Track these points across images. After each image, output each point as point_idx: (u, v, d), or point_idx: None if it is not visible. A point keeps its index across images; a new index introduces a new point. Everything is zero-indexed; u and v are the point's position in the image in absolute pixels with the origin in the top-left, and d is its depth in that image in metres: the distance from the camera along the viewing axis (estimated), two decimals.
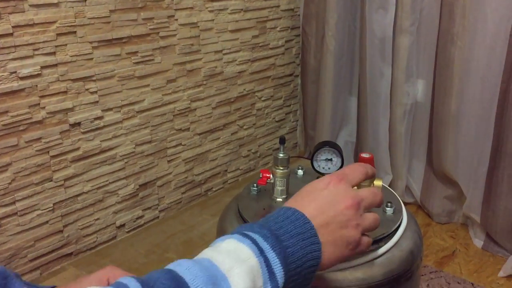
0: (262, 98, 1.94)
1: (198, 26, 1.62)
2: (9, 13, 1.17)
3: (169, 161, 1.66)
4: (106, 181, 1.48)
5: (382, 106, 1.73)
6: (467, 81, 1.50)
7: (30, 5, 1.20)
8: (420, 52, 1.63)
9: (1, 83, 1.19)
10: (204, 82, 1.70)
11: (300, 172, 0.91)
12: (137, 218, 1.60)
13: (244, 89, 1.85)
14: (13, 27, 1.18)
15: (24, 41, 1.21)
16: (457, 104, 1.53)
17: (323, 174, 0.85)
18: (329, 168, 0.84)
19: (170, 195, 1.69)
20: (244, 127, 1.90)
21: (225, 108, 1.80)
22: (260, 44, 1.85)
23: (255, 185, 0.83)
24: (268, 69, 1.92)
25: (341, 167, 0.84)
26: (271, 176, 0.80)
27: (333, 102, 1.85)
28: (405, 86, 1.66)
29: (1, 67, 1.18)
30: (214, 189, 1.85)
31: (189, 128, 1.69)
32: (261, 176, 0.80)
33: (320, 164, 0.84)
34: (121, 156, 1.50)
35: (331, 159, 0.83)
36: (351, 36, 1.81)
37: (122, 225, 1.56)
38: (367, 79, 1.73)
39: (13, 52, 1.20)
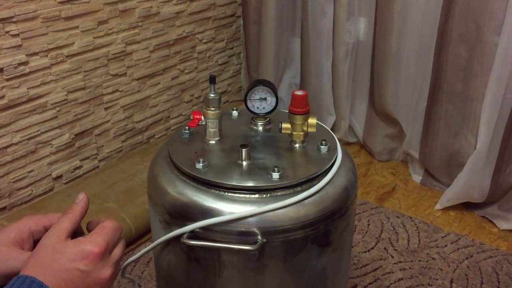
0: (203, 41, 1.87)
1: None
2: None
3: (106, 109, 1.58)
4: (38, 131, 1.40)
5: (324, 46, 1.70)
6: (407, 18, 1.49)
7: None
8: None
9: None
10: (140, 24, 1.60)
11: (234, 113, 0.87)
12: (75, 169, 1.53)
13: (184, 31, 1.77)
14: None
15: None
16: (397, 42, 1.52)
17: (257, 115, 0.82)
18: (263, 108, 0.81)
19: (109, 144, 1.63)
20: (185, 71, 1.83)
21: (164, 51, 1.72)
22: None
23: (186, 128, 0.80)
24: (208, 10, 1.84)
25: (275, 106, 0.81)
26: (203, 118, 0.76)
27: (275, 43, 1.80)
28: (347, 25, 1.63)
29: None
30: (156, 136, 1.80)
31: (126, 73, 1.61)
32: (191, 118, 0.77)
33: (254, 104, 0.81)
34: (52, 104, 1.41)
35: (265, 98, 0.80)
36: None
37: (59, 177, 1.49)
38: (309, 18, 1.68)
39: None
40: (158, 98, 1.76)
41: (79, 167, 1.55)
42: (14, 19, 1.27)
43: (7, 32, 1.26)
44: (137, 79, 1.66)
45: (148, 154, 1.60)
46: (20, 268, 0.50)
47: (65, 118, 1.46)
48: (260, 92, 0.80)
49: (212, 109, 0.75)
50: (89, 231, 0.57)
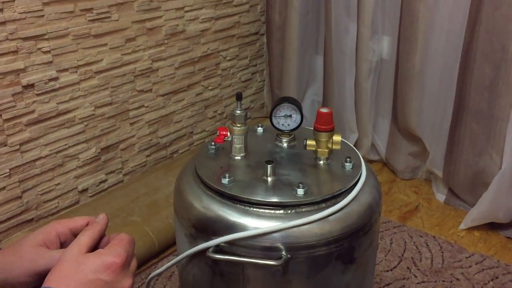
0: (227, 58, 1.89)
1: None
2: None
3: (131, 124, 1.62)
4: (65, 145, 1.44)
5: (347, 64, 1.71)
6: (431, 36, 1.49)
7: None
8: (386, 8, 1.61)
9: None
10: (166, 41, 1.64)
11: (260, 129, 0.89)
12: (100, 182, 1.56)
13: (208, 48, 1.80)
14: None
15: None
16: (421, 60, 1.52)
17: (282, 131, 0.83)
18: (288, 125, 0.82)
19: (134, 158, 1.65)
20: (209, 87, 1.86)
21: (188, 68, 1.75)
22: (224, 1, 1.79)
23: (212, 143, 0.81)
24: (233, 28, 1.87)
25: (300, 123, 0.82)
26: (229, 134, 0.78)
27: (298, 61, 1.82)
28: (371, 43, 1.64)
29: None
30: (180, 152, 1.82)
31: (151, 89, 1.64)
32: (218, 134, 0.78)
33: (279, 120, 0.82)
34: (80, 119, 1.45)
35: (290, 115, 0.81)
36: None
37: (85, 190, 1.52)
38: (332, 36, 1.70)
39: None
40: (182, 114, 1.79)
41: (104, 181, 1.58)
42: (46, 37, 1.31)
43: (39, 49, 1.30)
44: (162, 95, 1.69)
45: (171, 169, 1.62)
46: (49, 266, 0.52)
47: (92, 132, 1.50)
48: (285, 109, 0.81)
49: (238, 125, 0.76)
50: (101, 247, 0.59)
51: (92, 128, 1.50)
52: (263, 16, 1.97)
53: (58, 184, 1.44)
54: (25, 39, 1.27)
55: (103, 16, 1.43)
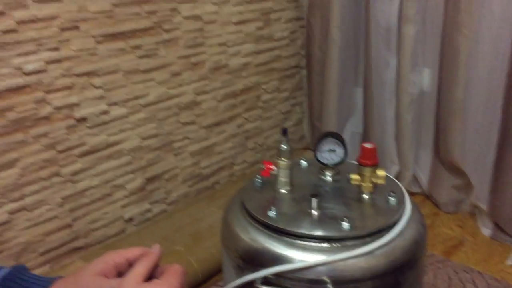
0: (268, 90, 1.94)
1: (202, 19, 1.61)
2: (12, 9, 1.18)
3: (175, 155, 1.67)
4: (113, 175, 1.49)
5: (388, 96, 1.72)
6: (473, 69, 1.49)
7: (33, 1, 1.21)
8: (426, 41, 1.62)
9: (6, 79, 1.20)
10: (209, 75, 1.70)
11: (304, 163, 0.91)
12: (145, 212, 1.61)
13: (250, 82, 1.85)
14: (16, 22, 1.19)
15: (28, 37, 1.22)
16: (464, 93, 1.52)
17: (326, 165, 0.85)
18: (332, 159, 0.84)
19: (177, 188, 1.70)
20: (250, 119, 1.90)
21: (230, 101, 1.80)
22: (265, 36, 1.85)
23: (258, 176, 0.84)
24: (273, 61, 1.92)
25: (344, 158, 0.84)
26: (275, 167, 0.80)
27: (338, 93, 1.84)
28: (411, 76, 1.65)
29: (6, 63, 1.19)
30: (221, 182, 1.86)
31: (194, 121, 1.70)
32: (264, 167, 0.81)
33: (324, 155, 0.84)
34: (127, 150, 1.51)
35: (334, 150, 0.83)
36: (356, 26, 1.79)
37: (131, 219, 1.57)
38: (372, 69, 1.72)
39: (18, 48, 1.21)
40: (224, 145, 1.83)
41: (149, 210, 1.62)
42: (99, 73, 1.39)
43: (92, 84, 1.38)
44: (205, 127, 1.74)
45: (214, 199, 1.65)
46: None
47: (138, 163, 1.55)
48: (329, 144, 0.83)
49: (284, 160, 0.79)
50: (155, 276, 0.61)
51: (139, 159, 1.55)
52: (303, 49, 2.01)
53: (106, 213, 1.49)
54: (79, 75, 1.34)
55: (151, 52, 1.50)
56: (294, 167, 0.82)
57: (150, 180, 1.60)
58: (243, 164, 1.93)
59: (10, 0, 1.16)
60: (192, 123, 1.69)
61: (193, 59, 1.63)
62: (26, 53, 1.22)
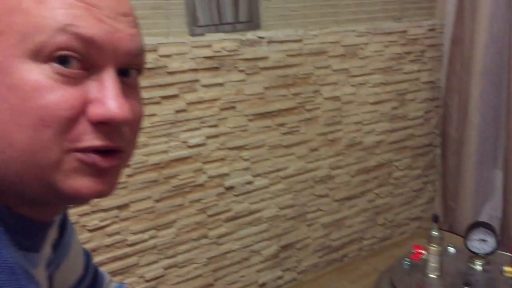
0: (400, 167, 1.96)
1: (341, 99, 1.73)
2: (185, 92, 1.39)
3: (308, 225, 1.74)
4: (252, 241, 1.61)
5: None
6: None
7: (201, 85, 1.41)
8: None
9: (175, 151, 1.39)
10: (344, 151, 1.78)
11: (452, 250, 0.93)
12: (277, 278, 1.69)
13: (382, 158, 1.89)
14: (187, 103, 1.40)
15: (194, 116, 1.42)
16: None
17: (477, 254, 0.86)
18: (483, 249, 0.85)
19: (308, 258, 1.76)
20: (381, 195, 1.93)
21: (363, 176, 1.85)
22: (399, 115, 1.90)
23: (407, 259, 0.88)
24: (407, 139, 1.95)
25: (496, 248, 0.85)
26: (424, 252, 0.84)
27: (476, 175, 1.81)
28: None
29: (176, 137, 1.39)
30: (350, 256, 1.88)
31: (328, 194, 1.77)
32: (414, 251, 0.85)
33: (474, 244, 0.86)
34: (266, 218, 1.62)
35: (485, 240, 0.85)
36: (496, 109, 1.78)
37: (264, 284, 1.66)
38: None
39: (185, 125, 1.40)
40: (354, 219, 1.87)
41: (281, 277, 1.69)
42: (247, 147, 1.54)
43: (241, 157, 1.53)
44: (337, 200, 1.80)
45: (344, 272, 1.68)
46: None
47: (274, 231, 1.65)
48: (480, 234, 0.85)
49: (435, 246, 0.82)
50: None
51: (275, 227, 1.65)
52: (437, 129, 2.02)
53: (243, 276, 1.60)
54: (231, 148, 1.51)
55: (293, 129, 1.63)
56: (443, 253, 0.84)
57: (283, 247, 1.69)
58: (372, 239, 1.94)
59: (184, 86, 1.38)
60: (326, 196, 1.77)
61: (330, 136, 1.73)
62: (192, 129, 1.42)
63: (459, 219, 1.88)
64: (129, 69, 0.45)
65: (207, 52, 1.40)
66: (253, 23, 1.48)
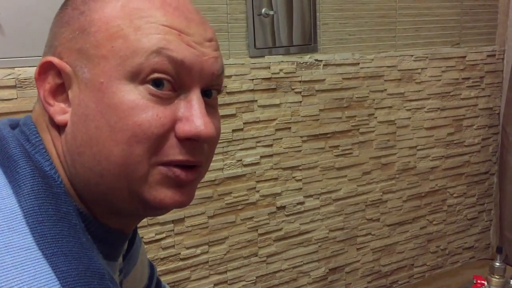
0: (454, 195, 1.92)
1: (395, 123, 1.72)
2: (242, 112, 1.42)
3: (358, 249, 1.73)
4: (301, 261, 1.61)
5: None
6: None
7: (259, 106, 1.45)
8: None
9: (229, 169, 1.43)
10: (397, 176, 1.76)
11: None
12: None
13: (436, 185, 1.86)
14: (243, 123, 1.43)
15: (250, 135, 1.45)
16: None
17: None
18: None
19: (356, 282, 1.74)
20: (434, 222, 1.89)
21: (415, 202, 1.82)
22: (455, 141, 1.87)
23: None
24: (462, 166, 1.91)
25: None
26: (486, 283, 0.82)
27: None
28: None
29: (231, 155, 1.42)
30: (399, 282, 1.84)
31: (379, 218, 1.75)
32: (475, 282, 0.83)
33: None
34: (316, 239, 1.62)
35: None
36: None
37: None
38: None
39: (241, 144, 1.44)
40: (405, 245, 1.83)
41: None
42: (300, 167, 1.56)
43: (294, 177, 1.55)
44: (388, 225, 1.78)
45: None
46: None
47: (323, 253, 1.65)
48: None
49: (497, 277, 0.80)
50: None
51: (324, 249, 1.65)
52: (494, 156, 1.97)
53: None
54: (285, 169, 1.53)
55: (346, 152, 1.63)
56: (505, 285, 0.82)
57: (332, 270, 1.68)
58: (423, 267, 1.89)
59: (242, 106, 1.41)
60: (377, 220, 1.75)
61: (383, 160, 1.72)
62: (247, 148, 1.45)
63: None
64: (211, 90, 0.49)
65: (265, 73, 1.43)
66: (310, 46, 1.50)
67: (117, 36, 0.44)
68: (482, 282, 0.81)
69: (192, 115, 0.45)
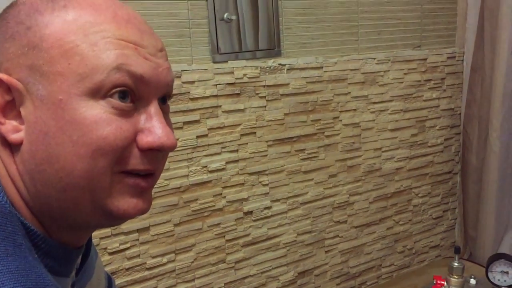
0: (419, 195, 1.95)
1: (360, 126, 1.73)
2: (206, 118, 1.41)
3: (326, 252, 1.74)
4: (270, 266, 1.60)
5: None
6: None
7: (223, 111, 1.44)
8: None
9: (195, 175, 1.41)
10: (363, 178, 1.78)
11: (472, 281, 0.92)
12: None
13: (401, 185, 1.88)
14: (208, 129, 1.42)
15: (215, 141, 1.44)
16: None
17: (499, 287, 0.85)
18: (504, 281, 0.84)
19: (325, 285, 1.75)
20: (400, 222, 1.91)
21: (381, 203, 1.85)
22: (419, 142, 1.90)
23: None
24: (426, 166, 1.94)
25: None
26: (445, 283, 0.83)
27: (497, 204, 1.79)
28: None
29: (196, 162, 1.41)
30: (368, 283, 1.86)
31: (346, 220, 1.77)
32: (434, 282, 0.84)
33: (495, 276, 0.85)
34: (284, 244, 1.62)
35: (507, 272, 0.84)
36: None
37: None
38: None
39: (206, 150, 1.43)
40: (373, 246, 1.85)
41: None
42: (266, 172, 1.55)
43: (260, 182, 1.55)
44: (356, 227, 1.79)
45: None
46: None
47: (292, 257, 1.65)
48: (502, 265, 0.84)
49: (456, 277, 0.82)
50: None
51: (293, 253, 1.65)
52: (457, 156, 2.01)
53: None
54: (251, 174, 1.52)
55: (312, 155, 1.64)
56: (464, 285, 0.84)
57: (301, 274, 1.68)
58: (390, 267, 1.92)
59: (206, 111, 1.40)
60: (344, 222, 1.76)
61: (349, 162, 1.73)
62: (212, 154, 1.44)
63: (480, 248, 1.86)
64: (165, 97, 0.50)
65: (229, 78, 1.43)
66: (274, 50, 1.51)
67: (73, 52, 0.44)
68: (442, 282, 0.82)
69: (154, 126, 0.46)
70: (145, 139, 0.46)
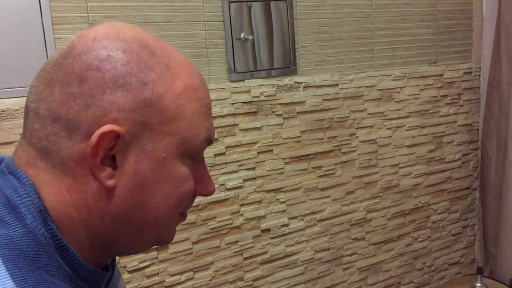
0: (438, 211, 1.93)
1: (377, 142, 1.73)
2: (224, 136, 1.43)
3: (344, 269, 1.72)
4: (288, 284, 1.60)
5: None
6: None
7: (240, 130, 1.45)
8: None
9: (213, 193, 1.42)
10: (380, 194, 1.77)
11: None
12: None
13: (419, 202, 1.87)
14: (225, 147, 1.43)
15: (233, 159, 1.45)
16: None
17: None
18: None
19: None
20: (419, 239, 1.89)
21: (400, 219, 1.83)
22: (436, 158, 1.89)
23: None
24: (444, 182, 1.93)
25: None
26: None
27: None
28: None
29: (214, 180, 1.42)
30: None
31: (364, 237, 1.76)
32: None
33: None
34: (302, 261, 1.62)
35: None
36: None
37: None
38: None
39: (224, 168, 1.44)
40: (391, 263, 1.84)
41: None
42: (284, 189, 1.56)
43: (277, 199, 1.55)
44: (374, 244, 1.78)
45: None
46: None
47: (310, 274, 1.64)
48: None
49: None
50: None
51: (311, 271, 1.64)
52: (476, 171, 1.99)
53: None
54: (268, 191, 1.53)
55: (329, 172, 1.64)
56: None
57: None
58: (409, 285, 1.89)
59: (224, 130, 1.42)
60: (362, 239, 1.75)
61: (366, 179, 1.73)
62: (230, 172, 1.45)
63: (501, 265, 1.83)
64: None
65: (245, 97, 1.44)
66: (290, 69, 1.52)
67: (182, 117, 0.49)
68: None
69: (208, 178, 0.55)
70: (205, 191, 0.55)
